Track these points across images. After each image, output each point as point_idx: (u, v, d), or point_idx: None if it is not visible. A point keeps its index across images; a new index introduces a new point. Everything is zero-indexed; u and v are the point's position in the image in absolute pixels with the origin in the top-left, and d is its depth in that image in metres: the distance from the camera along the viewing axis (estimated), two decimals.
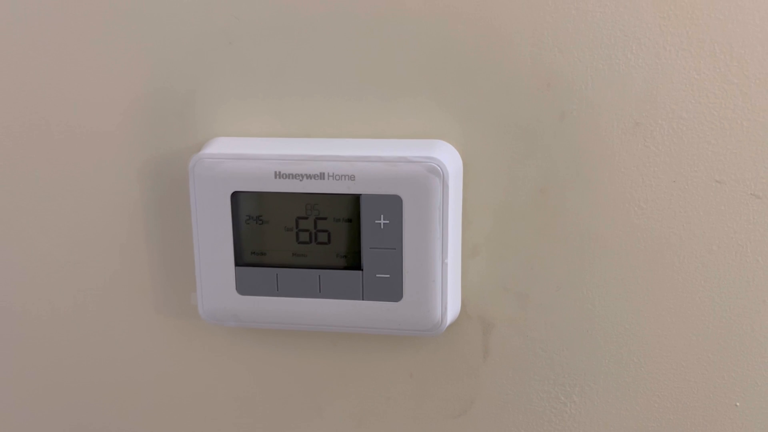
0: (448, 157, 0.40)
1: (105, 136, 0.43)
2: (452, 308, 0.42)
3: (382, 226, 0.40)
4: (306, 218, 0.41)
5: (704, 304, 0.41)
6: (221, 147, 0.42)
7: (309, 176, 0.40)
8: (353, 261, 0.41)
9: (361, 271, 0.41)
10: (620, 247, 0.41)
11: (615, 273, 0.42)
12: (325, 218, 0.41)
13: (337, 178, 0.39)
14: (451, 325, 0.44)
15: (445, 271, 0.40)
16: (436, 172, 0.39)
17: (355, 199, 0.40)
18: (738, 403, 0.42)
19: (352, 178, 0.39)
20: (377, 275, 0.41)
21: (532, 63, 0.39)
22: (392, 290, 0.41)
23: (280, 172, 0.40)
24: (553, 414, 0.44)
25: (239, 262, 0.42)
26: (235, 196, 0.41)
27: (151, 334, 0.46)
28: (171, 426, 0.48)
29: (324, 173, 0.40)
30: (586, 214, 0.41)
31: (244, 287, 0.42)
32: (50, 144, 0.44)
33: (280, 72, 0.41)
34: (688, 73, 0.38)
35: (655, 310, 0.42)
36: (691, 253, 0.41)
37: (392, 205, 0.39)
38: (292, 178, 0.40)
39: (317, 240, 0.41)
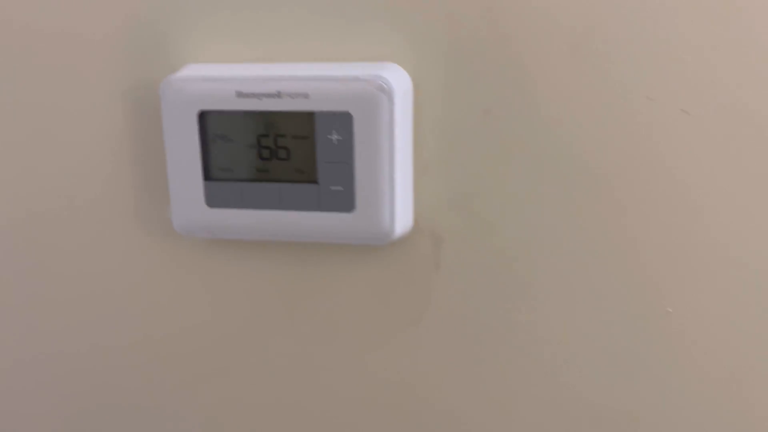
0: (397, 77, 0.43)
1: (88, 64, 0.47)
2: (402, 220, 0.45)
3: (334, 142, 0.43)
4: (267, 136, 0.44)
5: (643, 220, 0.44)
6: (190, 71, 0.45)
7: (267, 95, 0.43)
8: (310, 175, 0.44)
9: (317, 185, 0.44)
10: (559, 165, 0.44)
11: (555, 189, 0.44)
12: (284, 135, 0.44)
13: (293, 96, 0.43)
14: (405, 238, 0.47)
15: (392, 185, 0.43)
16: (384, 90, 0.42)
17: (310, 116, 0.43)
18: (670, 309, 0.45)
19: (306, 96, 0.43)
20: (331, 188, 0.44)
21: None
22: (345, 202, 0.44)
23: (241, 92, 0.43)
24: (500, 324, 0.47)
25: (207, 177, 0.45)
26: (202, 116, 0.44)
27: (130, 245, 0.50)
28: (152, 330, 0.52)
29: (280, 92, 0.43)
30: (529, 133, 0.44)
31: (212, 200, 0.46)
32: (35, 72, 0.47)
33: (245, 3, 0.44)
34: None
35: (595, 228, 0.44)
36: (629, 170, 0.43)
37: (343, 121, 0.43)
38: (252, 97, 0.43)
39: (278, 156, 0.45)
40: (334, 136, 0.43)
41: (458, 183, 0.46)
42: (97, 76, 0.47)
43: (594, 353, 0.47)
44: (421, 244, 0.47)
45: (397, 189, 0.44)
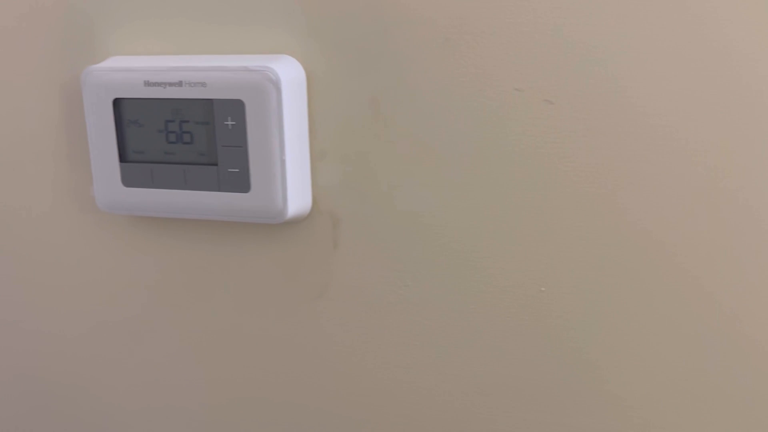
0: (288, 68, 0.47)
1: (26, 58, 0.52)
2: (297, 201, 0.49)
3: (230, 127, 0.47)
4: (173, 121, 0.48)
5: (514, 197, 0.47)
6: (110, 63, 0.50)
7: (170, 84, 0.47)
8: (211, 158, 0.48)
9: (216, 166, 0.48)
10: (441, 151, 0.47)
11: (439, 174, 0.48)
12: (187, 121, 0.48)
13: (192, 85, 0.47)
14: (306, 218, 0.51)
15: (283, 167, 0.47)
16: (271, 80, 0.46)
17: (209, 103, 0.47)
18: (543, 288, 0.48)
19: (204, 84, 0.47)
20: (229, 170, 0.48)
21: None
22: (242, 182, 0.48)
23: (148, 81, 0.48)
24: (392, 297, 0.51)
25: (123, 159, 0.50)
26: (116, 103, 0.49)
27: (60, 221, 0.55)
28: (78, 303, 0.57)
29: (181, 81, 0.47)
30: (412, 121, 0.47)
31: (127, 180, 0.50)
32: None
33: (159, 2, 0.49)
34: None
35: (473, 205, 0.48)
36: (500, 154, 0.46)
37: (237, 108, 0.47)
38: (158, 85, 0.48)
39: (183, 140, 0.49)
40: (230, 122, 0.47)
41: (352, 167, 0.49)
42: (34, 68, 0.52)
43: (472, 323, 0.50)
44: (320, 225, 0.51)
45: (288, 171, 0.47)
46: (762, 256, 0.44)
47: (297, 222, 0.51)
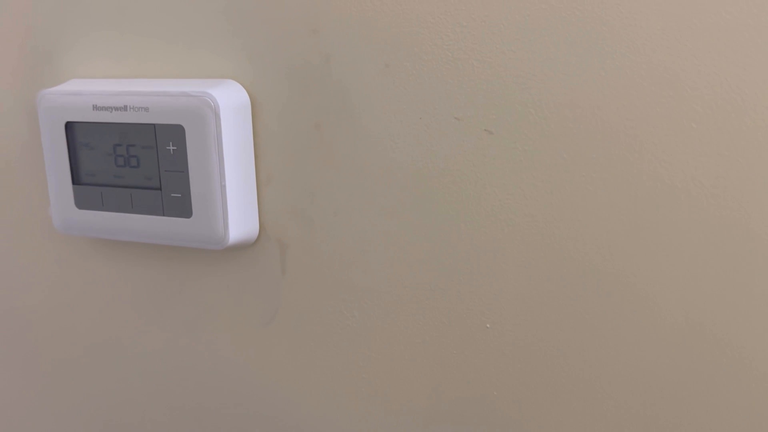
0: (230, 93, 0.46)
1: None
2: (240, 227, 0.48)
3: (172, 152, 0.47)
4: (120, 145, 0.49)
5: (451, 221, 0.45)
6: (66, 86, 0.50)
7: (116, 108, 0.47)
8: (155, 182, 0.48)
9: (160, 191, 0.48)
10: (382, 177, 0.46)
11: (381, 200, 0.46)
12: (134, 145, 0.48)
13: (136, 109, 0.47)
14: (254, 244, 0.50)
15: (224, 193, 0.47)
16: (209, 106, 0.45)
17: (152, 128, 0.47)
18: (488, 325, 0.46)
19: (147, 109, 0.47)
20: (172, 194, 0.48)
21: (302, 13, 0.44)
22: (184, 208, 0.48)
23: (96, 105, 0.48)
24: (339, 326, 0.50)
25: (76, 181, 0.50)
26: (69, 126, 0.49)
27: (19, 242, 0.56)
28: (33, 318, 0.58)
29: (126, 105, 0.47)
30: (354, 147, 0.46)
31: (80, 202, 0.51)
32: None
33: (118, 27, 0.49)
34: (424, 18, 0.42)
35: (415, 230, 0.46)
36: (437, 183, 0.45)
37: (178, 133, 0.46)
38: (105, 110, 0.48)
39: (130, 164, 0.49)
40: (171, 147, 0.47)
41: (297, 192, 0.48)
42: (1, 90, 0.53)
43: (419, 355, 0.48)
44: (268, 250, 0.50)
45: (230, 197, 0.47)
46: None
47: (244, 247, 0.50)
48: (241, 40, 0.47)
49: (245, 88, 0.47)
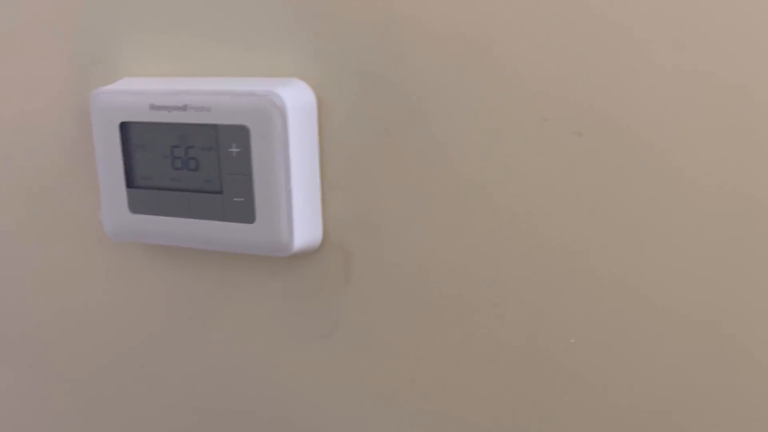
0: (296, 93, 0.44)
1: (48, 84, 0.51)
2: (304, 233, 0.45)
3: (234, 154, 0.45)
4: (178, 147, 0.46)
5: (526, 229, 0.42)
6: (119, 85, 0.48)
7: (175, 108, 0.45)
8: (216, 185, 0.46)
9: (221, 195, 0.46)
10: (466, 182, 0.43)
11: (455, 205, 0.44)
12: (193, 147, 0.46)
13: (197, 109, 0.45)
14: (317, 251, 0.48)
15: (289, 198, 0.44)
16: (276, 106, 0.43)
17: (214, 128, 0.45)
18: (572, 340, 0.44)
19: (208, 109, 0.44)
20: (234, 199, 0.45)
21: (376, 11, 0.42)
22: (247, 213, 0.45)
23: (153, 105, 0.46)
24: (404, 341, 0.47)
25: (130, 184, 0.48)
26: (124, 126, 0.47)
27: (69, 246, 0.54)
28: (83, 327, 0.56)
29: (186, 105, 0.45)
30: (426, 152, 0.43)
31: (134, 207, 0.48)
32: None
33: (174, 25, 0.47)
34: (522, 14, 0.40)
35: (488, 236, 0.43)
36: (517, 186, 0.42)
37: (241, 134, 0.44)
38: (163, 109, 0.45)
39: (188, 167, 0.46)
40: (234, 149, 0.44)
41: (364, 199, 0.46)
42: (47, 89, 0.51)
43: (480, 375, 0.46)
44: (331, 258, 0.48)
45: (295, 202, 0.44)
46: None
47: (307, 254, 0.48)
48: (309, 37, 0.44)
49: (311, 88, 0.45)
